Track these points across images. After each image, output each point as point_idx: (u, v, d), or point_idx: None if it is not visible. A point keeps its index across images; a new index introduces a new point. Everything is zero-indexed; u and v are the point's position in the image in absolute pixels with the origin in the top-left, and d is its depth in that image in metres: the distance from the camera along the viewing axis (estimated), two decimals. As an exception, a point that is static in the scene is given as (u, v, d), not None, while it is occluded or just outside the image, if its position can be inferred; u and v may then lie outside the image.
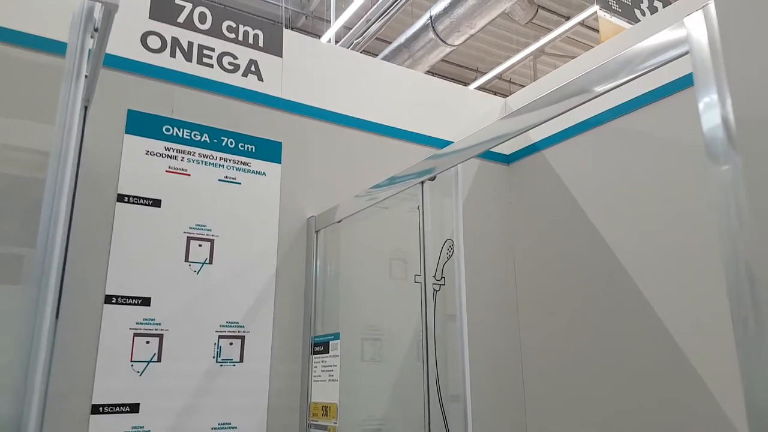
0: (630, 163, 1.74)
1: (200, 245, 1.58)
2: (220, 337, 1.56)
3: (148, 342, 1.44)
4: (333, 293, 1.75)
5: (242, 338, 1.60)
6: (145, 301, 1.46)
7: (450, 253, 2.03)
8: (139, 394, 1.39)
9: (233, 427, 1.53)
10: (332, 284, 1.75)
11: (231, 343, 1.57)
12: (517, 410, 1.98)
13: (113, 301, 1.42)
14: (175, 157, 1.60)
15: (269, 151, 1.77)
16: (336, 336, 1.52)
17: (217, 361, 1.54)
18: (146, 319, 1.45)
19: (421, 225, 1.86)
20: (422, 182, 1.37)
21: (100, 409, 1.34)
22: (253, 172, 1.72)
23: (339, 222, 1.66)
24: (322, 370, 1.55)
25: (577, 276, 1.84)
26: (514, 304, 2.08)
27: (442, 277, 1.92)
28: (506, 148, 2.32)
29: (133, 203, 1.51)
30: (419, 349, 1.77)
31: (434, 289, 1.88)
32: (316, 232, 1.74)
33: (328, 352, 1.54)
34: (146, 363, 1.42)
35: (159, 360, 1.44)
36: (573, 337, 1.80)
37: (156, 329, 1.46)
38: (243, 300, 1.62)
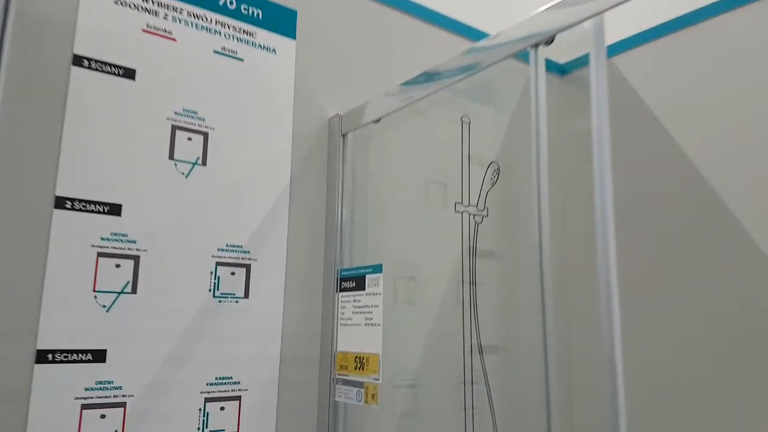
0: (732, 65, 1.35)
1: (189, 139, 1.14)
2: (218, 264, 1.15)
3: (118, 266, 1.02)
4: (363, 216, 1.35)
5: (247, 267, 1.19)
6: (114, 209, 1.03)
7: (494, 179, 1.64)
8: (105, 337, 0.99)
9: (235, 382, 1.14)
10: (362, 205, 1.35)
11: (233, 273, 1.17)
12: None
13: (67, 206, 0.99)
14: (156, 13, 1.14)
15: (281, 20, 1.31)
16: (376, 268, 1.13)
17: (214, 296, 1.14)
18: (115, 234, 1.02)
19: (464, 140, 1.44)
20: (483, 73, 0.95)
21: (49, 356, 0.93)
22: (260, 46, 1.27)
23: (377, 121, 1.24)
24: (355, 312, 1.17)
25: (655, 211, 1.48)
26: (565, 240, 1.72)
27: (484, 208, 1.53)
28: (561, 56, 1.90)
29: (96, 70, 1.05)
30: (459, 292, 1.40)
31: (476, 221, 1.50)
32: (343, 135, 1.32)
33: (363, 289, 1.15)
34: (116, 295, 1.01)
35: (133, 291, 1.03)
36: (647, 277, 1.45)
37: (129, 249, 1.04)
38: (249, 217, 1.20)
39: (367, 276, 1.15)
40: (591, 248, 1.61)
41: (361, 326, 1.14)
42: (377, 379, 1.08)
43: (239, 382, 1.15)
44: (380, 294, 1.11)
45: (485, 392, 1.43)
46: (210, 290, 1.14)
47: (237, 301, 1.17)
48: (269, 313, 1.21)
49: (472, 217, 1.51)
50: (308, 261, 1.28)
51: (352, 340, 1.16)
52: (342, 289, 1.22)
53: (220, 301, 1.15)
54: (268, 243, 1.22)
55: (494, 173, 1.61)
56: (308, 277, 1.28)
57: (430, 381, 1.37)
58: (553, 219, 1.77)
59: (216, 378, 1.12)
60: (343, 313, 1.20)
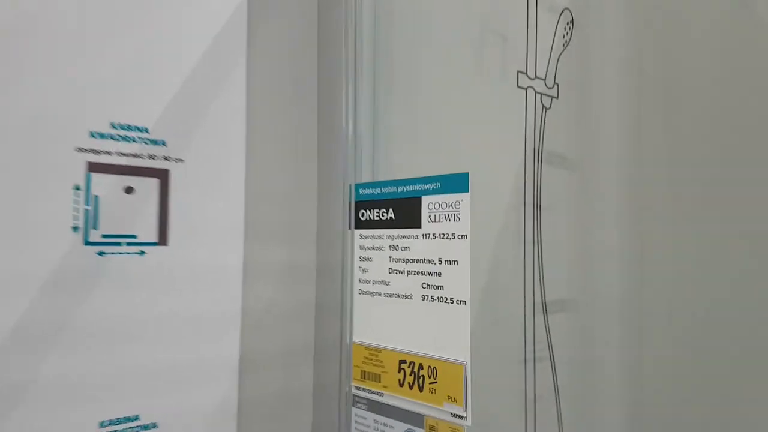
0: None
1: None
2: (91, 167, 0.50)
3: None
4: (387, 91, 0.72)
5: (162, 176, 0.55)
6: None
7: (567, 36, 1.04)
8: None
9: (145, 427, 0.53)
10: (385, 73, 0.71)
11: (129, 190, 0.53)
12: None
13: None
14: None
15: None
16: (451, 182, 0.53)
17: (86, 242, 0.50)
18: None
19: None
20: None
21: None
22: None
23: None
24: (395, 270, 0.57)
25: None
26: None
27: (554, 84, 0.94)
28: None
29: None
30: (518, 219, 0.83)
31: (543, 106, 0.90)
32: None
33: (413, 225, 0.55)
34: None
35: None
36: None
37: None
38: (160, 77, 0.55)
39: (425, 199, 0.55)
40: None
41: (413, 301, 0.56)
42: (462, 417, 0.51)
43: (155, 426, 0.54)
44: (465, 237, 0.52)
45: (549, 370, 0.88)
46: (76, 228, 0.49)
47: (142, 253, 0.54)
48: (214, 276, 0.59)
49: (539, 97, 0.90)
50: (290, 168, 0.66)
51: (387, 324, 0.58)
52: (362, 224, 0.62)
53: (101, 254, 0.51)
54: (206, 128, 0.58)
55: (567, 27, 1.00)
56: (289, 201, 0.65)
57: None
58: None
59: (102, 423, 0.51)
60: (365, 271, 0.61)
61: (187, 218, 0.57)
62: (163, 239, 0.56)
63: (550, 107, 0.85)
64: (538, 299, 0.73)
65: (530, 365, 0.72)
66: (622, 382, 0.62)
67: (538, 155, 0.77)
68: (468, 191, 0.52)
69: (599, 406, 0.63)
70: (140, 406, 0.54)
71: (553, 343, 0.73)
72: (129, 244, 0.54)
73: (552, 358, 0.73)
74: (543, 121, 0.83)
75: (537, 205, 0.75)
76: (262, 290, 0.63)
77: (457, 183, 0.52)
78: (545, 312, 0.75)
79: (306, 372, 0.65)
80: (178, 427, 0.57)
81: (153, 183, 0.55)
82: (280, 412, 0.63)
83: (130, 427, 0.53)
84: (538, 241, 0.76)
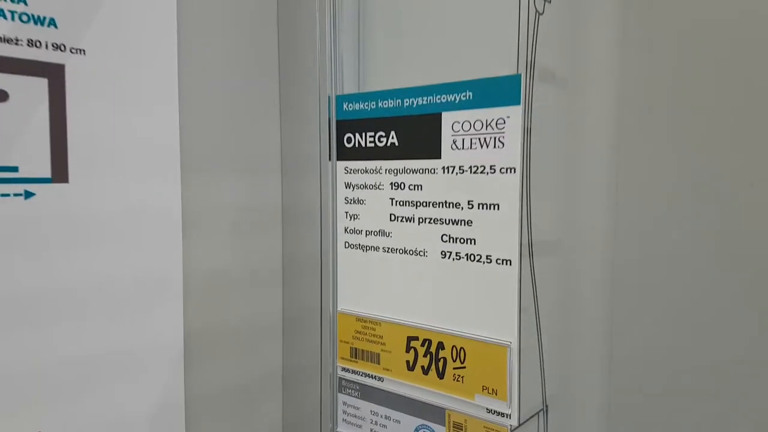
0: None
1: None
2: None
3: None
4: None
5: (52, 74, 0.35)
6: None
7: None
8: None
9: None
10: None
11: (2, 96, 0.33)
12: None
13: None
14: None
15: None
16: (508, 91, 0.37)
17: None
18: None
19: None
20: None
21: None
22: None
23: None
24: (404, 217, 0.42)
25: None
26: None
27: None
28: None
29: None
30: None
31: (536, 11, 0.75)
32: None
33: (431, 155, 0.40)
34: None
35: None
36: None
37: None
38: None
39: (447, 117, 0.39)
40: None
41: (429, 259, 0.41)
42: (505, 415, 0.38)
43: None
44: (513, 170, 0.37)
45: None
46: None
47: (27, 194, 0.35)
48: (140, 227, 0.41)
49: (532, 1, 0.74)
50: (242, 72, 0.47)
51: (389, 289, 0.43)
52: (348, 153, 0.45)
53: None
54: (118, 5, 0.38)
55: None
56: (242, 119, 0.47)
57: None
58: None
59: None
60: (354, 218, 0.45)
61: (94, 142, 0.38)
62: (59, 174, 0.37)
63: (543, 12, 0.67)
64: (525, 241, 0.59)
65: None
66: (603, 326, 0.51)
67: (531, 68, 0.60)
68: (519, 103, 0.36)
69: (580, 352, 0.51)
70: (42, 420, 0.37)
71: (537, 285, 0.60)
72: (6, 181, 0.35)
73: (536, 300, 0.60)
74: (536, 29, 0.66)
75: (526, 129, 0.59)
76: (210, 245, 0.46)
77: (501, 91, 0.37)
78: (531, 254, 0.60)
79: (272, 351, 0.50)
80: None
81: (39, 86, 0.35)
82: (240, 405, 0.48)
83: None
84: (526, 172, 0.60)
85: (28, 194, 0.36)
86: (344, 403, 0.47)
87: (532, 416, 0.45)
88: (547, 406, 0.47)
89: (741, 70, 0.42)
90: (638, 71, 0.48)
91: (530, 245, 0.58)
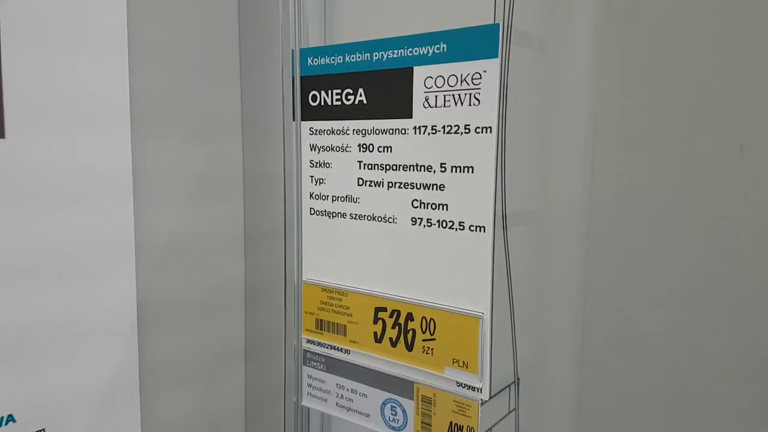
0: None
1: None
2: None
3: None
4: None
5: None
6: None
7: None
8: None
9: None
10: None
11: None
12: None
13: None
14: None
15: None
16: (486, 42, 0.34)
17: None
18: None
19: None
20: None
21: None
22: None
23: None
24: (372, 181, 0.39)
25: None
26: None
27: None
28: None
29: None
30: None
31: None
32: None
33: (401, 114, 0.37)
34: None
35: None
36: None
37: None
38: None
39: (420, 71, 0.36)
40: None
41: (398, 226, 0.38)
42: (475, 389, 0.36)
43: (12, 419, 0.35)
44: (489, 130, 0.34)
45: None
46: None
47: None
48: (86, 187, 0.38)
49: None
50: (197, 21, 0.43)
51: (356, 258, 0.40)
52: (313, 112, 0.42)
53: None
54: None
55: None
56: (198, 73, 0.44)
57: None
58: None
59: None
60: (320, 182, 0.42)
61: (33, 93, 0.35)
62: (-13, 129, 0.33)
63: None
64: (499, 211, 0.57)
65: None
66: (576, 298, 0.49)
67: (507, 31, 0.57)
68: (497, 56, 0.33)
69: (553, 324, 0.50)
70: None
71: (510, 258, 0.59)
72: None
73: (508, 268, 0.58)
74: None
75: (503, 97, 0.56)
76: (164, 210, 0.42)
77: (478, 42, 0.34)
78: (505, 227, 0.58)
79: (234, 323, 0.47)
80: (45, 418, 0.37)
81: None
82: (199, 378, 0.46)
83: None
84: (501, 139, 0.58)
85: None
86: (309, 377, 0.44)
87: (503, 389, 0.43)
88: (518, 379, 0.45)
89: (722, 39, 0.40)
90: (618, 41, 0.45)
91: (504, 217, 0.56)
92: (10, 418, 0.36)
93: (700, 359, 0.41)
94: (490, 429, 0.39)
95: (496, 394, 0.41)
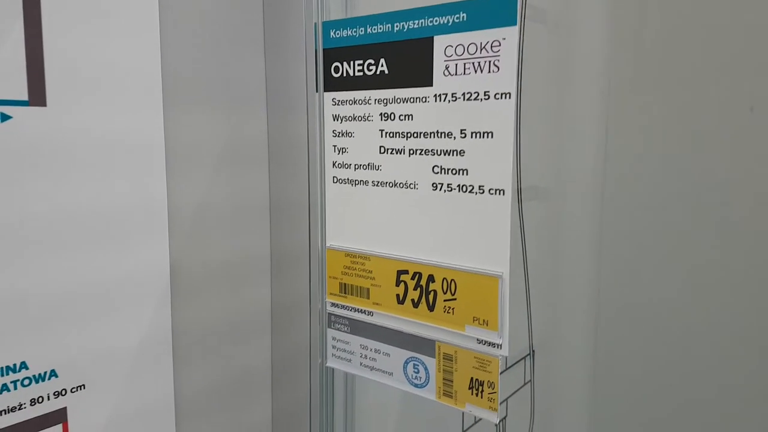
0: None
1: None
2: None
3: None
4: None
5: None
6: None
7: None
8: None
9: (41, 377, 0.36)
10: None
11: None
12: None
13: None
14: None
15: None
16: (504, 11, 0.35)
17: None
18: None
19: None
20: None
21: None
22: None
23: None
24: (393, 148, 0.41)
25: None
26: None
27: None
28: None
29: None
30: None
31: None
32: None
33: (422, 82, 0.38)
34: None
35: None
36: None
37: None
38: None
39: (440, 41, 0.37)
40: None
41: (420, 191, 0.40)
42: (495, 345, 0.38)
43: (55, 374, 0.37)
44: (508, 96, 0.35)
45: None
46: None
47: (2, 118, 0.34)
48: (123, 155, 0.40)
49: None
50: (227, 1, 0.45)
51: (379, 224, 0.42)
52: (336, 83, 0.43)
53: None
54: None
55: None
56: (225, 48, 0.45)
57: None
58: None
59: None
60: (343, 151, 0.43)
61: (72, 64, 0.36)
62: (37, 96, 0.35)
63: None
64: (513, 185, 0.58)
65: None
66: (591, 271, 0.51)
67: (523, 5, 0.58)
68: (515, 23, 0.35)
69: (568, 297, 0.51)
70: (25, 351, 0.36)
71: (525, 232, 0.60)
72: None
73: (524, 247, 0.60)
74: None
75: (521, 63, 0.57)
76: (195, 179, 0.44)
77: (497, 10, 0.35)
78: (519, 200, 0.60)
79: (261, 287, 0.49)
80: (85, 374, 0.40)
81: (13, 3, 0.33)
82: (228, 341, 0.48)
83: (13, 381, 0.36)
84: (518, 106, 0.58)
85: (5, 117, 0.34)
86: (333, 338, 0.47)
87: (519, 361, 0.45)
88: (533, 351, 0.47)
89: (736, 16, 0.41)
90: (631, 17, 0.46)
91: (519, 190, 0.57)
92: (53, 374, 0.39)
93: (716, 327, 0.43)
94: (506, 400, 0.41)
95: (511, 366, 0.43)
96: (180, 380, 0.45)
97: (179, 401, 0.45)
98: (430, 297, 0.40)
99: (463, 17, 0.36)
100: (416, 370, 0.42)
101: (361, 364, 0.45)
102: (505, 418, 0.41)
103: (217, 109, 0.45)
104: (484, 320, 0.38)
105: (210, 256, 0.46)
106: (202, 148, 0.44)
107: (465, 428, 0.44)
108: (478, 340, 0.38)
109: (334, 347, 0.47)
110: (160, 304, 0.43)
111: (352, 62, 0.42)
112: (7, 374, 0.36)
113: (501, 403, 0.39)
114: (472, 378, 0.39)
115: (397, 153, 0.41)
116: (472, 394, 0.39)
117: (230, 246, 0.47)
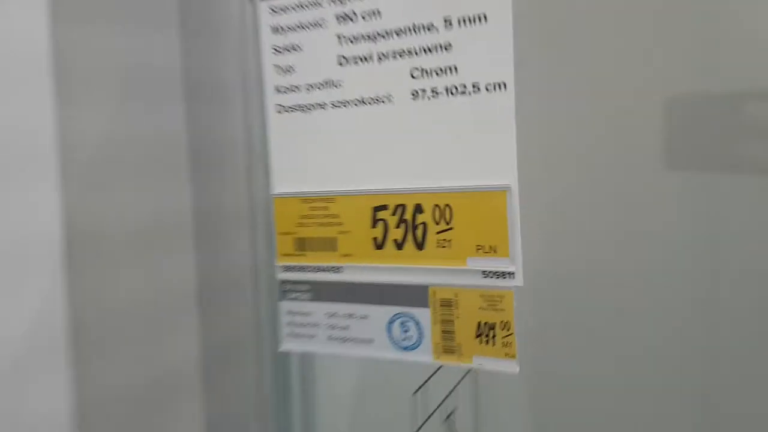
0: None
1: None
2: None
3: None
4: None
5: None
6: None
7: None
8: None
9: None
10: None
11: None
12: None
13: None
14: None
15: None
16: None
17: None
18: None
19: None
20: None
21: None
22: None
23: None
24: (345, 58, 0.33)
25: None
26: None
27: None
28: None
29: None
30: None
31: None
32: None
33: None
34: None
35: None
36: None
37: None
38: None
39: None
40: None
41: (395, 105, 0.32)
42: (507, 275, 0.31)
43: None
44: None
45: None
46: None
47: None
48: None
49: None
50: None
51: (343, 155, 0.34)
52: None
53: None
54: None
55: None
56: None
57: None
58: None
59: None
60: (288, 71, 0.35)
61: None
62: None
63: None
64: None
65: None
66: None
67: None
68: None
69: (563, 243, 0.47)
70: None
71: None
72: None
73: None
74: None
75: None
76: (86, 112, 0.33)
77: None
78: None
79: (182, 258, 0.38)
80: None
81: None
82: (141, 329, 0.36)
83: None
84: None
85: None
86: (289, 312, 0.37)
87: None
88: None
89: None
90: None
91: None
92: None
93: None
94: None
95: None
96: (82, 385, 0.33)
97: (83, 411, 0.33)
98: (419, 232, 0.33)
99: None
100: (405, 329, 0.34)
101: (329, 338, 0.36)
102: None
103: (123, 34, 0.35)
104: (490, 246, 0.31)
105: (117, 215, 0.34)
106: (95, 67, 0.34)
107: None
108: (483, 273, 0.31)
109: (290, 323, 0.37)
110: (50, 282, 0.31)
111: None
112: None
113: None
114: (479, 323, 0.32)
115: (362, 62, 0.33)
116: (481, 342, 0.32)
117: (142, 205, 0.36)
